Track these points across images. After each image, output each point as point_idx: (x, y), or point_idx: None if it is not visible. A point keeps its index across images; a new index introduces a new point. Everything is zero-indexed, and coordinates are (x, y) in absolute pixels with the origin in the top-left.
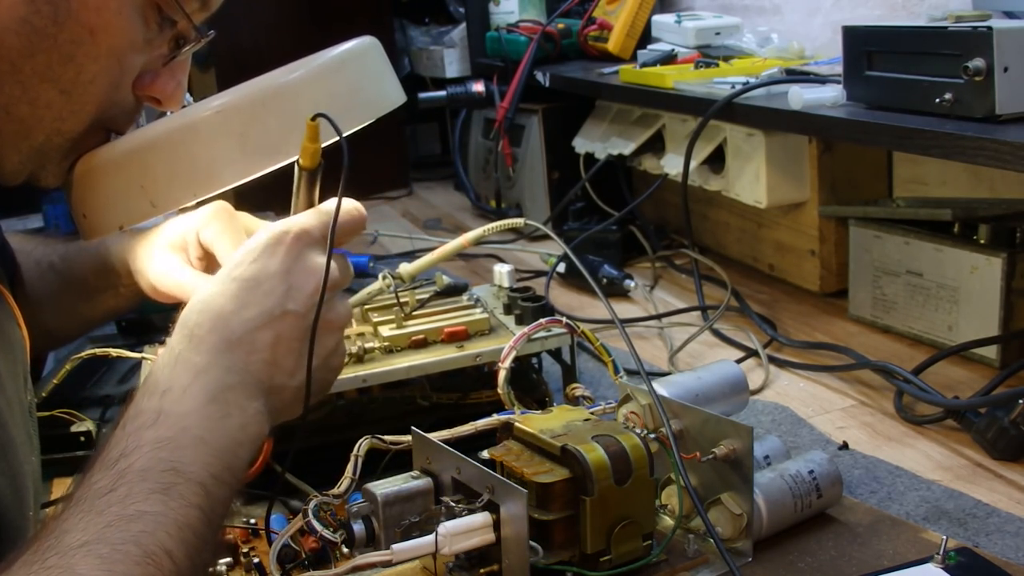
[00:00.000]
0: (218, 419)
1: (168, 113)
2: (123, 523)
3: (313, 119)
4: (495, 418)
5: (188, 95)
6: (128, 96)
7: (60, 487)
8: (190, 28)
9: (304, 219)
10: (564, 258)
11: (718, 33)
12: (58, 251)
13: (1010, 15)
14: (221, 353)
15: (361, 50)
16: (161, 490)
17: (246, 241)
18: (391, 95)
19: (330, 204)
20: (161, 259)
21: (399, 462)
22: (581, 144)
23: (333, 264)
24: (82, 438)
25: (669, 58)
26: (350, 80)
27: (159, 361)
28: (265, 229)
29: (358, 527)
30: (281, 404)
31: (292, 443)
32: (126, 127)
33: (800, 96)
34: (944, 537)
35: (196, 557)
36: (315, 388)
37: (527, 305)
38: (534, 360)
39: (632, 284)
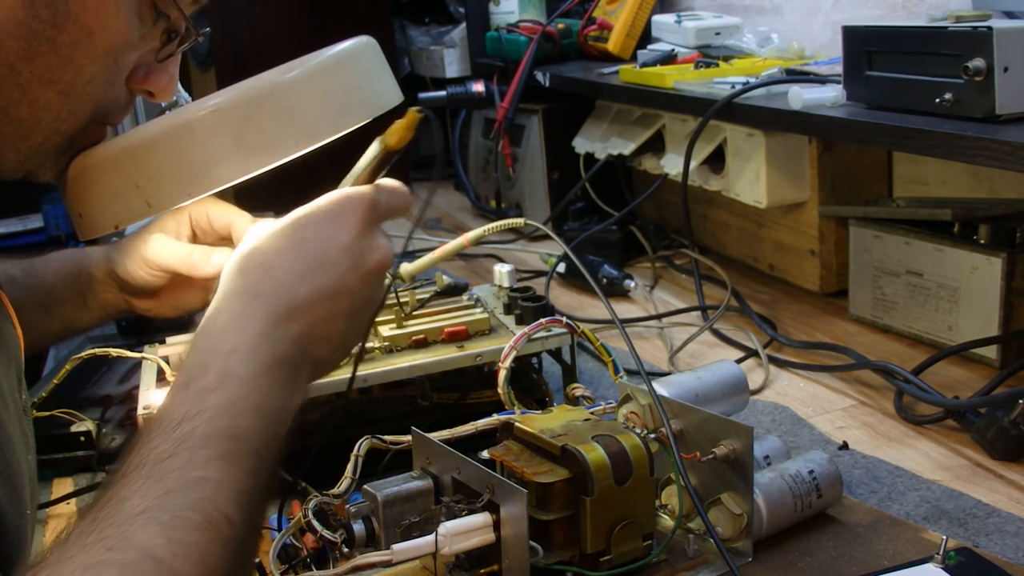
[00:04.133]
0: (275, 388)
1: (163, 105)
2: (183, 489)
3: (419, 111)
4: (495, 418)
5: (187, 95)
6: (123, 91)
7: (60, 487)
8: (181, 20)
9: (371, 192)
10: (564, 258)
11: (718, 33)
12: (20, 265)
13: (1010, 15)
14: (282, 320)
15: (357, 50)
16: (221, 456)
17: (314, 201)
18: (388, 95)
19: (387, 182)
20: (156, 238)
21: (399, 462)
22: (581, 144)
23: (388, 245)
24: (82, 438)
25: (669, 58)
26: (346, 79)
27: (221, 311)
28: (334, 194)
29: (358, 527)
30: (317, 377)
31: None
32: (121, 119)
33: (800, 96)
34: (944, 537)
35: (252, 524)
36: (339, 361)
37: (527, 305)
38: (534, 360)
39: (632, 284)
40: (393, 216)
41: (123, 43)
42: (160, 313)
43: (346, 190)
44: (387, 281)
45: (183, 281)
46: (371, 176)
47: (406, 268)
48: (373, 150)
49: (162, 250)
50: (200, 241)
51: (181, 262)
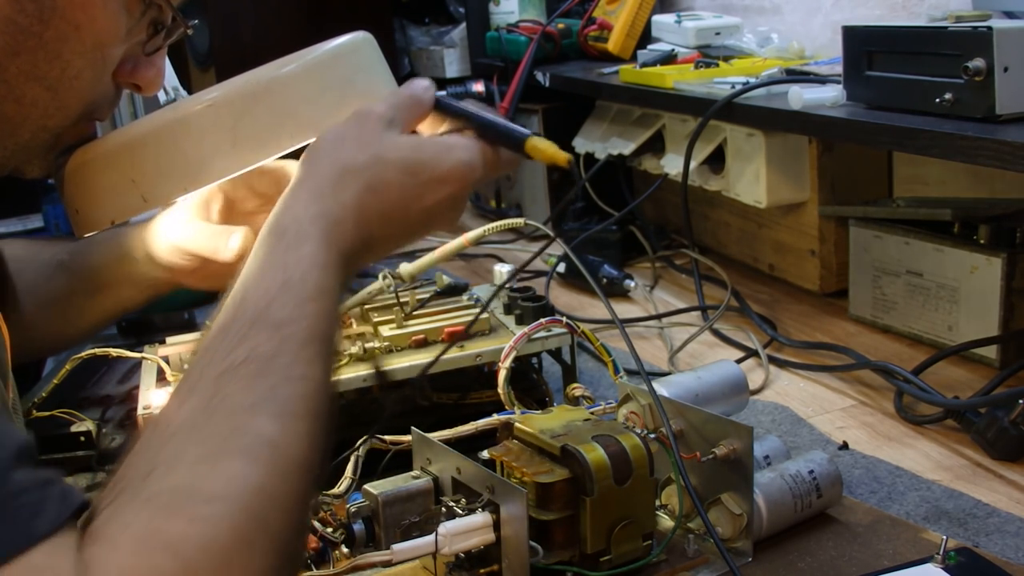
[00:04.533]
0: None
1: (162, 103)
2: (290, 384)
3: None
4: (495, 418)
5: (186, 94)
6: (110, 85)
7: None
8: (168, 12)
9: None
10: (564, 258)
11: (718, 33)
12: (68, 248)
13: (1010, 15)
14: (377, 232)
15: (354, 45)
16: (318, 357)
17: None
18: (385, 90)
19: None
20: (177, 222)
21: (399, 462)
22: (581, 144)
23: (406, 137)
24: (82, 438)
25: (669, 58)
26: (342, 75)
27: (332, 189)
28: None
29: (358, 527)
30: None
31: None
32: (108, 114)
33: (800, 96)
34: (944, 537)
35: (332, 422)
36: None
37: (527, 305)
38: (534, 360)
39: (632, 284)
40: (408, 119)
41: (110, 37)
42: (212, 286)
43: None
44: (452, 151)
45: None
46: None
47: (406, 268)
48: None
49: (183, 237)
50: (239, 208)
51: (203, 248)
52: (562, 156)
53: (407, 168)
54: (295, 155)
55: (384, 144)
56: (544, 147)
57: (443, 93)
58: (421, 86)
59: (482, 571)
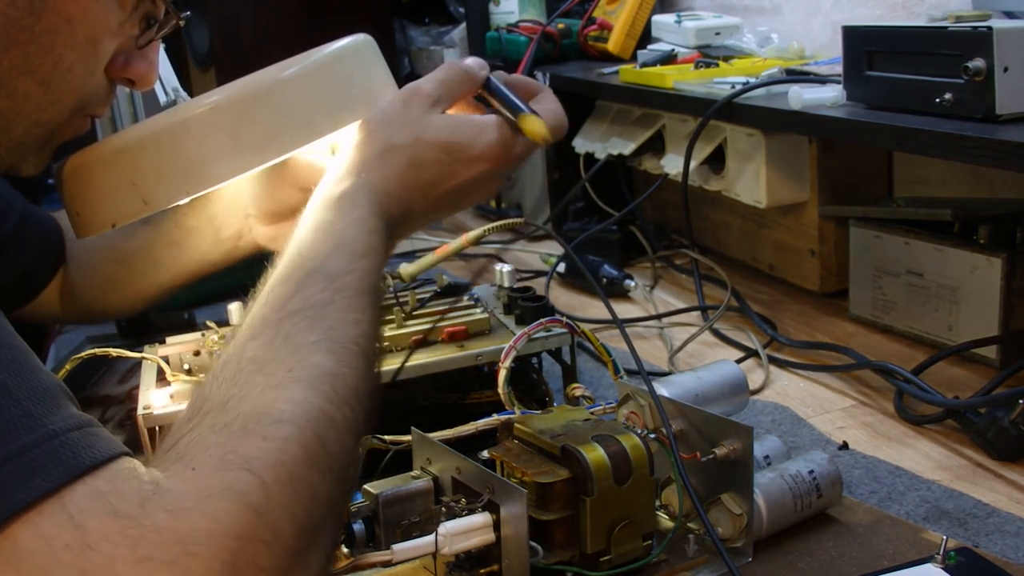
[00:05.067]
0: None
1: (160, 99)
2: (345, 326)
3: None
4: (495, 418)
5: (186, 94)
6: (103, 80)
7: None
8: (161, 6)
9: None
10: (564, 258)
11: (718, 33)
12: None
13: (1010, 15)
14: (416, 205)
15: (354, 47)
16: (369, 306)
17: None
18: (385, 92)
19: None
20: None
21: (399, 462)
22: (581, 144)
23: (446, 117)
24: None
25: (669, 58)
26: (343, 77)
27: (377, 163)
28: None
29: (358, 527)
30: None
31: None
32: (102, 110)
33: (800, 96)
34: (944, 537)
35: (379, 364)
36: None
37: (527, 305)
38: (534, 360)
39: (632, 284)
40: (452, 93)
41: (102, 30)
42: (279, 246)
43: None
44: (490, 130)
45: None
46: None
47: (406, 268)
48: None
49: (312, 171)
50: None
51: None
52: (540, 134)
53: (445, 148)
54: None
55: (424, 124)
56: (531, 125)
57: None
58: (477, 64)
59: (482, 571)
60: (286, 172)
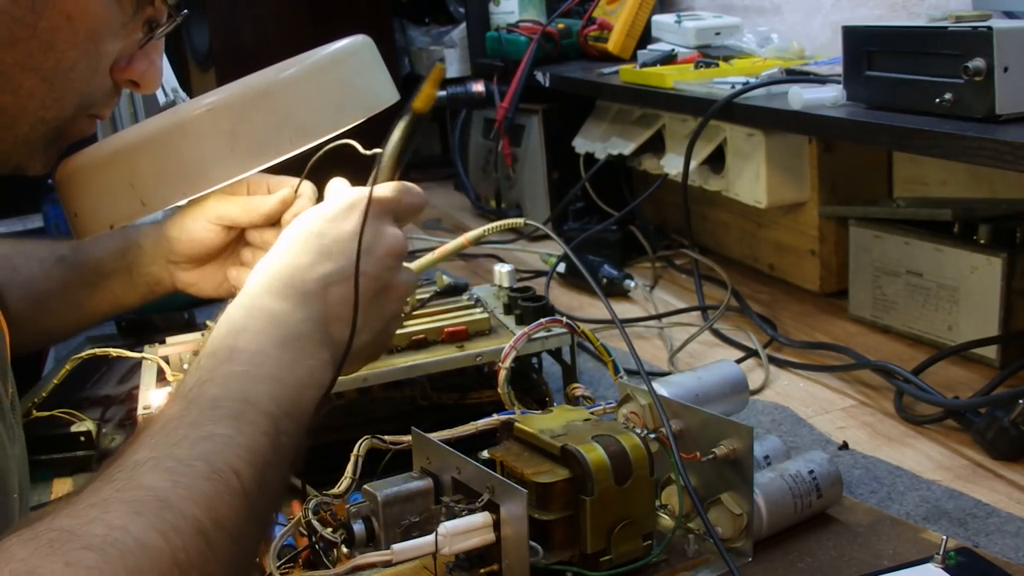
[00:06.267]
0: (290, 362)
1: (161, 104)
2: (191, 442)
3: (441, 62)
4: (495, 418)
5: (185, 95)
6: (107, 81)
7: (60, 487)
8: (163, 10)
9: (379, 189)
10: (564, 258)
11: (718, 33)
12: (70, 243)
13: (1010, 15)
14: (297, 304)
15: (353, 49)
16: (230, 416)
17: (320, 204)
18: (383, 94)
19: (395, 184)
20: (215, 197)
21: (399, 462)
22: (581, 144)
23: (399, 233)
24: (82, 438)
25: (669, 58)
26: (341, 79)
27: (234, 306)
28: (341, 193)
29: (358, 527)
30: (352, 363)
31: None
32: (107, 112)
33: (800, 96)
34: (944, 537)
35: (264, 483)
36: (375, 350)
37: (527, 305)
38: (534, 360)
39: (632, 284)
40: (402, 213)
41: (103, 28)
42: (202, 290)
43: (349, 189)
44: (409, 272)
45: (232, 251)
46: (404, 144)
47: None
48: (404, 119)
49: (221, 203)
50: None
51: (241, 209)
52: (436, 70)
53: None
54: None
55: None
56: (421, 93)
57: (443, 93)
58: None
59: (482, 571)
60: (204, 206)
